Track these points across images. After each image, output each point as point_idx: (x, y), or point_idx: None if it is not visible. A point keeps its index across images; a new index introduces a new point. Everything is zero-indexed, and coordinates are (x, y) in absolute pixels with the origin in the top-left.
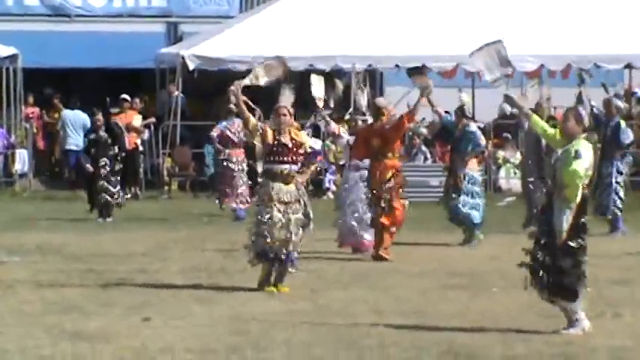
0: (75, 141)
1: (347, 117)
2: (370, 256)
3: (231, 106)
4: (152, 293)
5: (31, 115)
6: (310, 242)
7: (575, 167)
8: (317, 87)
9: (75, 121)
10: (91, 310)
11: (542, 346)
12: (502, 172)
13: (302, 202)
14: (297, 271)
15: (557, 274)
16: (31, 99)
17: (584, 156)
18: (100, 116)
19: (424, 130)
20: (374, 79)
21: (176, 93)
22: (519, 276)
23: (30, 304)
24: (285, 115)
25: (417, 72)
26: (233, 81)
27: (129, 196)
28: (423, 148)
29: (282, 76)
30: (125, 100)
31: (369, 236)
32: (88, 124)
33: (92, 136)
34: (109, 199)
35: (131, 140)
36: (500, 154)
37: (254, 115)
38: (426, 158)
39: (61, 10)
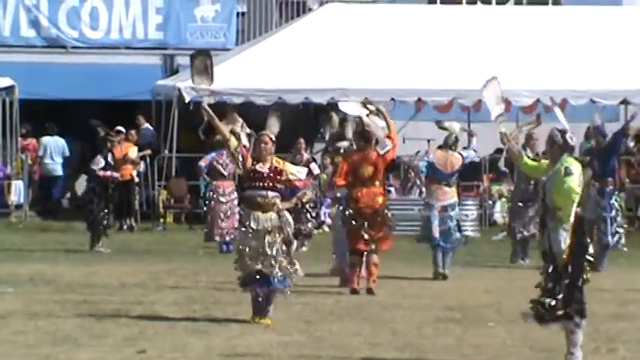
0: (54, 166)
1: (342, 150)
2: (364, 290)
3: (218, 137)
4: (147, 325)
5: (27, 146)
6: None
7: (569, 184)
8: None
9: (55, 147)
10: (85, 342)
11: None
12: (497, 207)
13: (284, 230)
14: (288, 296)
15: (565, 292)
16: (24, 130)
17: (575, 172)
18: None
19: (420, 164)
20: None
21: (145, 125)
22: (514, 309)
23: (23, 335)
24: (266, 143)
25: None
26: (228, 113)
27: (125, 227)
28: (418, 182)
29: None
30: (120, 131)
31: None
32: (67, 150)
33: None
34: (103, 227)
35: (127, 172)
36: (496, 188)
37: (249, 138)
38: (421, 192)
39: (58, 41)
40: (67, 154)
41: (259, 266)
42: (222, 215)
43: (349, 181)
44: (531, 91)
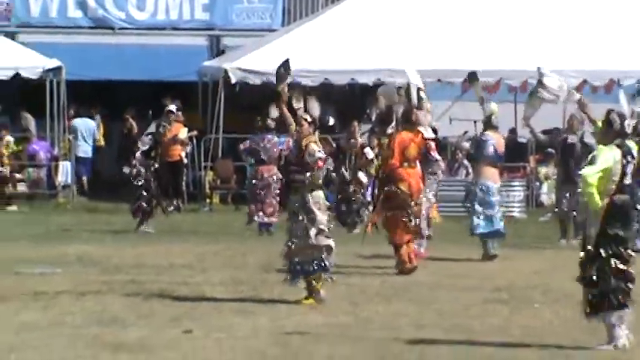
0: (85, 148)
1: (390, 131)
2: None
3: (269, 121)
4: (193, 305)
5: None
6: (352, 256)
7: (584, 172)
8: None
9: (85, 129)
10: (132, 322)
11: None
12: (544, 188)
13: (308, 211)
14: (332, 280)
15: (589, 282)
16: (71, 111)
17: (600, 161)
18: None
19: (466, 145)
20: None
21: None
22: (561, 291)
23: (71, 316)
24: (302, 125)
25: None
26: (273, 94)
27: (171, 208)
28: (465, 162)
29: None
30: (171, 112)
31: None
32: (97, 132)
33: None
34: (153, 208)
35: (176, 152)
36: (542, 169)
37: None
38: (467, 173)
39: (105, 22)
40: (97, 136)
41: (299, 246)
42: (260, 198)
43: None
44: (578, 71)
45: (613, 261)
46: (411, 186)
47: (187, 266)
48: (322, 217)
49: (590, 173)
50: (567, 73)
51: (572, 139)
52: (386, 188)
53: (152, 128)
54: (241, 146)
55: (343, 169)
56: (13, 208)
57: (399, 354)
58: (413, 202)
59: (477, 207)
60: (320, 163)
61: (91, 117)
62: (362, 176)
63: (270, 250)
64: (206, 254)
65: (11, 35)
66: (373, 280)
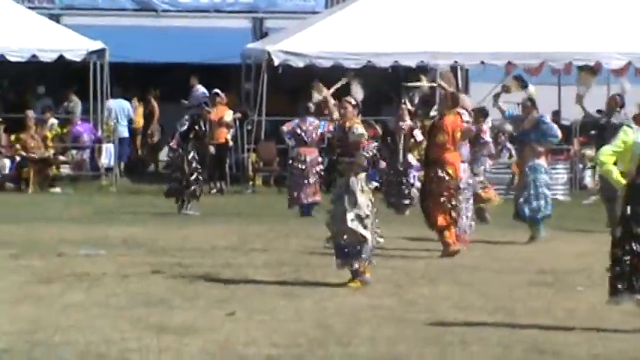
0: (120, 129)
1: (433, 114)
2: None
3: (309, 104)
4: (237, 287)
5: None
6: (397, 239)
7: (599, 152)
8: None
9: (119, 110)
10: (176, 304)
11: (626, 345)
12: (588, 171)
13: (350, 194)
14: (373, 264)
15: (614, 261)
16: (120, 93)
17: (618, 141)
18: (210, 109)
19: (509, 127)
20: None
21: (197, 87)
22: (605, 274)
23: (116, 297)
24: (346, 108)
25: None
26: (317, 77)
27: (215, 190)
28: (508, 145)
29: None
30: (217, 94)
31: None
32: (131, 113)
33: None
34: (197, 190)
35: (222, 135)
36: (586, 152)
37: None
38: (511, 155)
39: (149, 5)
40: (132, 116)
41: (340, 229)
42: (302, 181)
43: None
44: (622, 53)
45: (634, 243)
46: (457, 170)
47: (230, 248)
48: (364, 200)
49: (603, 152)
50: (612, 55)
51: (612, 120)
52: (438, 173)
53: (192, 111)
54: (284, 128)
55: (392, 152)
56: (57, 190)
57: (442, 336)
58: (457, 187)
59: (546, 190)
60: (364, 141)
61: (128, 98)
62: (411, 158)
63: (312, 232)
64: (249, 236)
65: (55, 18)
66: (417, 262)
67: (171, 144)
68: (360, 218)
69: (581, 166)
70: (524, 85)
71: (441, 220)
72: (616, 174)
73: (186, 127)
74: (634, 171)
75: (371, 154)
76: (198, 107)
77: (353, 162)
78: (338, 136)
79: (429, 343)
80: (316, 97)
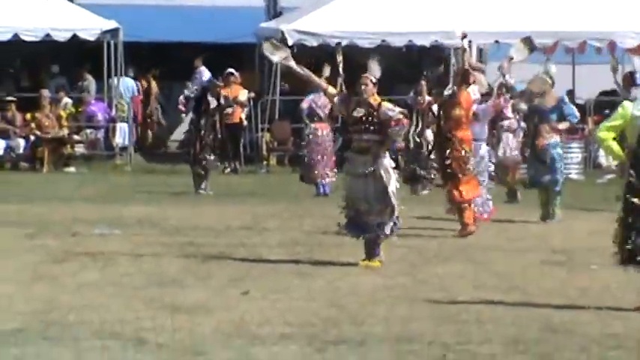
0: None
1: (447, 93)
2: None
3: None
4: (251, 267)
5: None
6: (410, 218)
7: (599, 126)
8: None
9: (124, 89)
10: (190, 283)
11: None
12: (602, 150)
13: (378, 174)
14: (397, 240)
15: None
16: (131, 73)
17: (615, 115)
18: (220, 84)
19: (524, 107)
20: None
21: (202, 68)
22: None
23: (130, 277)
24: (367, 85)
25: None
26: (330, 56)
27: (228, 170)
28: (522, 124)
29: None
30: (232, 74)
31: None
32: (136, 91)
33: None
34: (209, 168)
35: (236, 114)
36: None
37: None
38: (525, 134)
39: None
40: (136, 94)
41: (360, 207)
42: (318, 157)
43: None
44: (637, 32)
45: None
46: (472, 149)
47: (244, 228)
48: (394, 177)
49: (601, 128)
50: (626, 34)
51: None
52: (456, 149)
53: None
54: (304, 105)
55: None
56: (71, 169)
57: (456, 315)
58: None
59: (562, 167)
60: (402, 119)
61: (134, 77)
62: (429, 134)
63: (326, 211)
64: (263, 216)
65: None
66: (431, 241)
67: (179, 106)
68: (393, 193)
69: (595, 145)
70: (531, 47)
71: (462, 198)
72: (616, 149)
73: (191, 92)
74: (634, 144)
75: (403, 132)
76: (208, 82)
77: (385, 140)
78: (365, 112)
79: (443, 322)
80: (326, 72)
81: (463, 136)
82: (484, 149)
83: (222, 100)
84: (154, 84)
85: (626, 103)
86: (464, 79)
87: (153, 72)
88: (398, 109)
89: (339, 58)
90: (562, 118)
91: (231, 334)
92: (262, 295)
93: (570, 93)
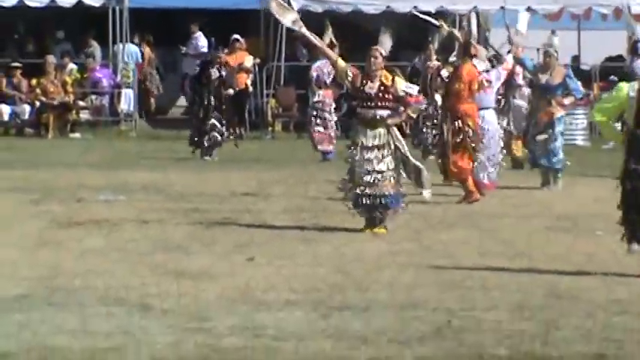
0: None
1: (452, 59)
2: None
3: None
4: (256, 233)
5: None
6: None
7: (595, 107)
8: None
9: (127, 55)
10: (195, 250)
11: None
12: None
13: (392, 146)
14: (404, 211)
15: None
16: (136, 39)
17: (612, 95)
18: (221, 54)
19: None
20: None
21: (198, 34)
22: None
23: (135, 243)
24: (376, 57)
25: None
26: (336, 22)
27: (232, 137)
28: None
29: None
30: (237, 40)
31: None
32: (139, 57)
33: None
34: (218, 137)
35: (242, 80)
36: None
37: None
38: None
39: None
40: (140, 60)
41: (369, 180)
42: (325, 124)
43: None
44: None
45: (634, 195)
46: (475, 122)
47: (250, 194)
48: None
49: (597, 109)
50: (633, 1)
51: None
52: (458, 125)
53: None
54: (313, 73)
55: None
56: (76, 135)
57: (461, 281)
58: (477, 138)
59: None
60: (419, 96)
61: (138, 44)
62: (438, 98)
63: (331, 177)
64: (268, 182)
65: None
66: (435, 208)
67: (186, 88)
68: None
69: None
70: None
71: (464, 170)
72: (608, 131)
73: (197, 72)
74: (632, 124)
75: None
76: (209, 54)
77: (395, 114)
78: (378, 87)
79: (448, 288)
80: (327, 38)
81: (466, 109)
82: (491, 117)
83: (223, 72)
84: (147, 50)
85: (621, 84)
86: (466, 51)
87: (147, 38)
88: (413, 86)
89: (329, 31)
90: (567, 93)
91: (236, 300)
92: (267, 261)
93: (576, 59)
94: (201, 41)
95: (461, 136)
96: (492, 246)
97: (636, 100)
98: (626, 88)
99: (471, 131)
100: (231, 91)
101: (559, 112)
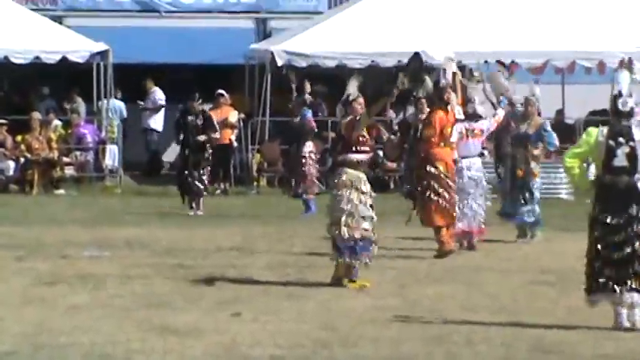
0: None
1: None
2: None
3: (306, 96)
4: (241, 288)
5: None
6: (399, 239)
7: (565, 153)
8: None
9: (113, 110)
10: (180, 305)
11: (633, 345)
12: (592, 169)
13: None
14: (370, 263)
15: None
16: (119, 94)
17: (580, 142)
18: (196, 103)
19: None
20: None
21: (154, 89)
22: None
23: (120, 299)
24: (362, 106)
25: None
26: (321, 77)
27: (219, 191)
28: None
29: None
30: (221, 95)
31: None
32: (125, 112)
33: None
34: (197, 186)
35: (226, 135)
36: None
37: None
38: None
39: (151, 6)
40: (125, 115)
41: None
42: (307, 173)
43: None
44: (625, 52)
45: (598, 244)
46: (448, 166)
47: (235, 249)
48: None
49: (567, 155)
50: (616, 54)
51: None
52: (427, 169)
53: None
54: (313, 123)
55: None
56: (61, 191)
57: (447, 336)
58: (449, 184)
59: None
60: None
61: (123, 99)
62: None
63: (316, 232)
64: (253, 237)
65: (58, 19)
66: (421, 262)
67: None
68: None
69: (585, 164)
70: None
71: (436, 219)
72: (578, 177)
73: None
74: (600, 170)
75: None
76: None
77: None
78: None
79: (434, 343)
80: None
81: (438, 153)
82: (477, 165)
83: (199, 120)
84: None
85: (591, 129)
86: (439, 98)
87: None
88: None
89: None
90: (541, 144)
91: (222, 356)
92: (253, 317)
93: (560, 113)
94: (158, 95)
95: (429, 181)
96: (478, 300)
97: (605, 146)
98: (594, 133)
99: (442, 175)
100: (203, 137)
101: (535, 165)
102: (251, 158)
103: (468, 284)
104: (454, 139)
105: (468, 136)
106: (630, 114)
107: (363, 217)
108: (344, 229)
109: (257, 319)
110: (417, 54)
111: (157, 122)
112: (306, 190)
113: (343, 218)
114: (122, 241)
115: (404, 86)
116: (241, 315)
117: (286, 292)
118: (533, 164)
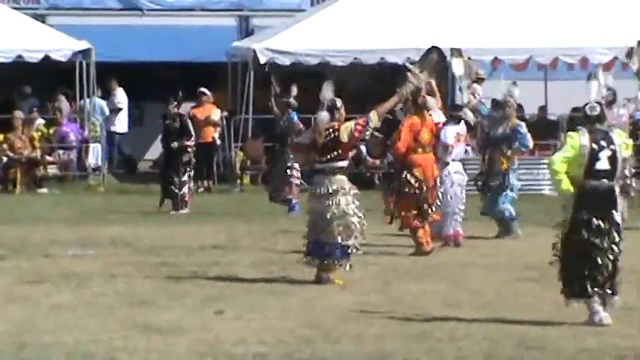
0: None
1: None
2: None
3: (292, 99)
4: (225, 286)
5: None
6: (382, 236)
7: (551, 158)
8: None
9: (95, 109)
10: (164, 303)
11: (615, 340)
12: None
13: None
14: (351, 268)
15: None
16: (99, 92)
17: (566, 147)
18: (172, 106)
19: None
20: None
21: (118, 89)
22: None
23: (103, 297)
24: (343, 112)
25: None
26: (304, 74)
27: (202, 189)
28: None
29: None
30: (204, 93)
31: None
32: (106, 111)
33: (168, 126)
34: (175, 190)
35: (209, 133)
36: None
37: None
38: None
39: (134, 4)
40: (107, 114)
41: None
42: (291, 179)
43: (410, 146)
44: (608, 48)
45: (581, 248)
46: (426, 172)
47: (218, 247)
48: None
49: (554, 160)
50: (598, 50)
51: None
52: (403, 175)
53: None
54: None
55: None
56: (44, 190)
57: (430, 332)
58: (426, 188)
59: (515, 195)
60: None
61: (103, 97)
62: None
63: (300, 230)
64: (237, 235)
65: (41, 18)
66: (404, 259)
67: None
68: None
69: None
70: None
71: (412, 222)
72: (565, 183)
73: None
74: (582, 175)
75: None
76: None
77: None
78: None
79: (417, 339)
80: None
81: (415, 160)
82: (457, 169)
83: (176, 124)
84: (63, 103)
85: (571, 133)
86: (414, 101)
87: (61, 90)
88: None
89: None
90: (515, 145)
91: (206, 354)
92: (237, 315)
93: (543, 109)
94: (119, 97)
95: (406, 188)
96: (461, 296)
97: (588, 149)
98: (577, 137)
99: (419, 181)
100: (176, 144)
101: (512, 163)
102: (234, 156)
103: (451, 280)
104: (450, 141)
105: (459, 140)
106: (599, 117)
107: (353, 219)
108: (337, 235)
109: (241, 316)
110: (435, 47)
111: (121, 124)
112: (289, 198)
113: (335, 223)
114: (106, 240)
115: (413, 86)
116: (225, 312)
117: (270, 290)
118: (507, 165)
